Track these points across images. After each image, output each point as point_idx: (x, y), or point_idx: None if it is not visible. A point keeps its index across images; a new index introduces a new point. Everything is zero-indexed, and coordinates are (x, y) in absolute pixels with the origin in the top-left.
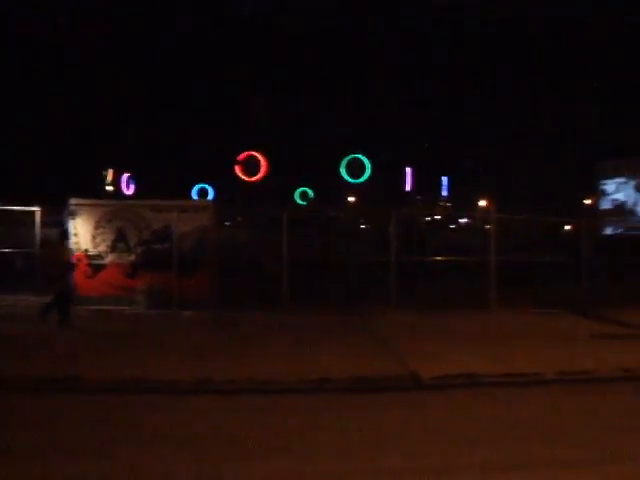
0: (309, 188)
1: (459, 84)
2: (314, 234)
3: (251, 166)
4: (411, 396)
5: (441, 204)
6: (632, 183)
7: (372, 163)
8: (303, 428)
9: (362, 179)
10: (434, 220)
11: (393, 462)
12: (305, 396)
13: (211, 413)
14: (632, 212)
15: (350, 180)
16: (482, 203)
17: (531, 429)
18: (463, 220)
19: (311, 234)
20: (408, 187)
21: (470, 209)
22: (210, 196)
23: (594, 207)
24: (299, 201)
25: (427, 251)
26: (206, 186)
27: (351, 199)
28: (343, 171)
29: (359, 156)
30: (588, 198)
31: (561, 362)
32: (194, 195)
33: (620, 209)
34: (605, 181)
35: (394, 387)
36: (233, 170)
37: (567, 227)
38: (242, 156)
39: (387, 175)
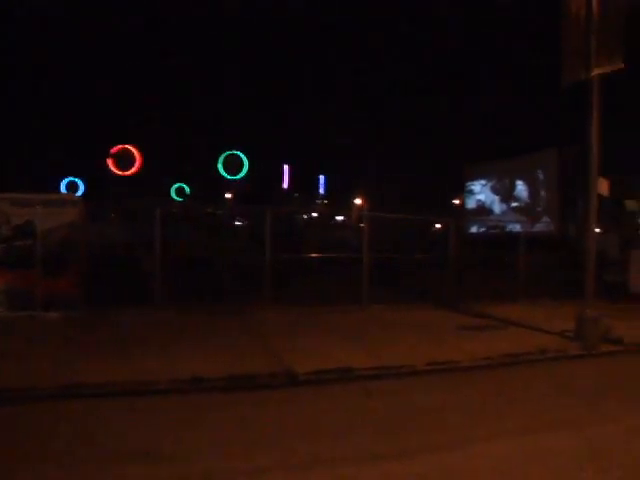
0: (186, 184)
1: (327, 86)
2: (189, 231)
3: (125, 160)
4: (286, 392)
5: (318, 202)
6: (489, 185)
7: (250, 160)
8: (175, 428)
9: (239, 176)
10: (312, 218)
11: (266, 460)
12: (179, 396)
13: (75, 418)
14: (490, 211)
15: (227, 177)
16: (357, 201)
17: (401, 420)
18: (339, 218)
19: (186, 231)
20: (286, 185)
21: (346, 207)
22: (80, 190)
23: (461, 207)
24: (175, 197)
25: (304, 248)
26: (76, 180)
27: (228, 196)
28: (220, 167)
29: (237, 153)
30: (456, 198)
31: (431, 353)
32: (63, 189)
33: (482, 209)
34: (472, 182)
35: (269, 384)
36: (106, 163)
37: (438, 225)
38: (115, 149)
39: (265, 172)
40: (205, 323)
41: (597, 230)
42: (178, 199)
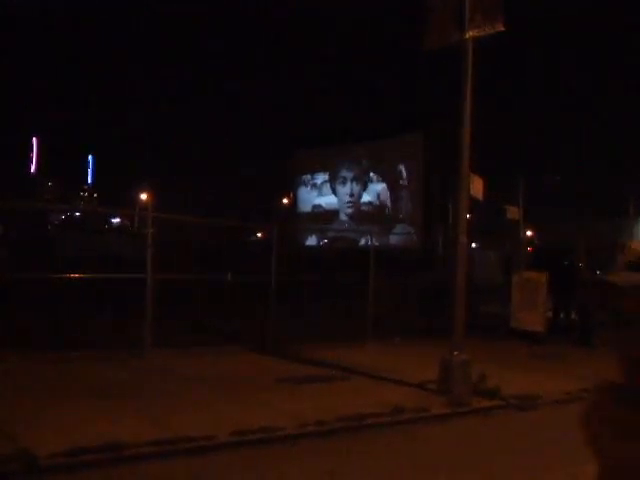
0: None
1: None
2: None
3: None
4: None
5: (84, 195)
6: (333, 179)
7: None
8: None
9: None
10: (71, 217)
11: None
12: None
13: None
14: (334, 216)
15: None
16: (143, 197)
17: None
18: (116, 220)
19: None
20: (33, 168)
21: (127, 205)
22: None
23: (291, 209)
24: None
25: (56, 263)
26: None
27: None
28: None
29: None
30: (285, 197)
31: (241, 418)
32: None
33: (322, 213)
34: (307, 176)
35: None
36: None
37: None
38: None
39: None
40: None
41: (473, 245)
42: None
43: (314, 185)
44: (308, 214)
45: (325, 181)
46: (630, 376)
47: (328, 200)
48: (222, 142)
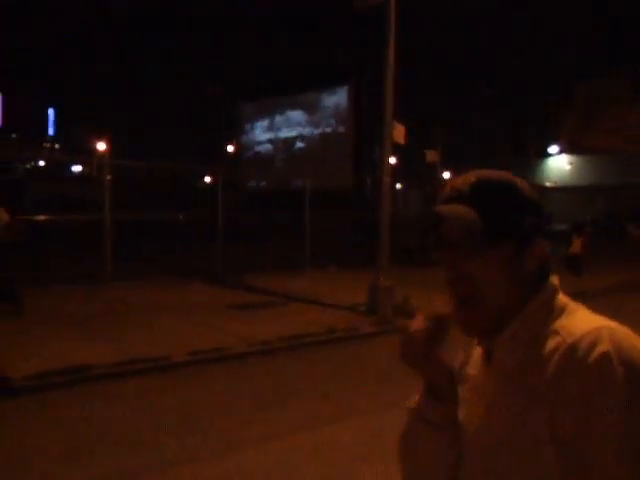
0: None
1: None
2: None
3: None
4: None
5: (47, 145)
6: (272, 127)
7: None
8: None
9: None
10: (37, 167)
11: None
12: None
13: None
14: (272, 161)
15: None
16: (101, 147)
17: (142, 431)
18: (77, 168)
19: None
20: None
21: (86, 153)
22: None
23: (237, 155)
24: None
25: (26, 207)
26: None
27: None
28: None
29: None
30: (231, 144)
31: (194, 340)
32: None
33: (264, 158)
34: (251, 124)
35: None
36: None
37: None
38: None
39: None
40: None
41: (397, 186)
42: None
43: (255, 133)
44: (250, 159)
45: (265, 129)
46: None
47: (267, 147)
48: (176, 94)
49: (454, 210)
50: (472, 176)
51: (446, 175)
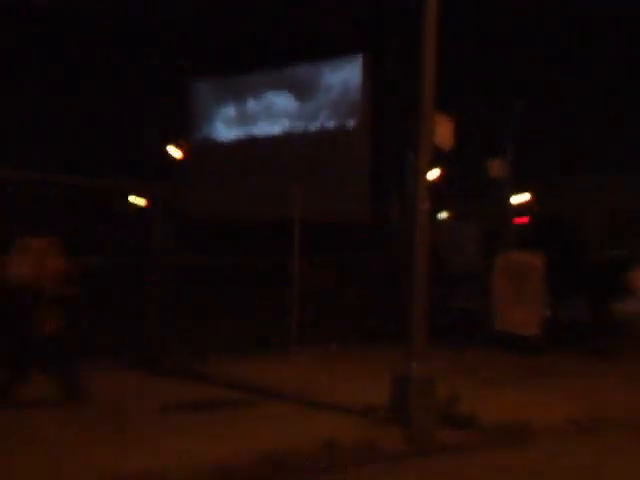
0: None
1: None
2: None
3: None
4: None
5: None
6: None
7: None
8: None
9: None
10: None
11: None
12: None
13: None
14: (241, 173)
15: None
16: None
17: None
18: None
19: None
20: None
21: None
22: None
23: (184, 163)
24: None
25: None
26: None
27: None
28: None
29: None
30: (175, 146)
31: (107, 464)
32: None
33: (224, 169)
34: (205, 116)
35: None
36: None
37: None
38: None
39: None
40: None
41: (442, 215)
42: None
43: (215, 128)
44: (205, 170)
45: (230, 122)
46: None
47: (233, 150)
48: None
49: None
50: None
51: (520, 198)
